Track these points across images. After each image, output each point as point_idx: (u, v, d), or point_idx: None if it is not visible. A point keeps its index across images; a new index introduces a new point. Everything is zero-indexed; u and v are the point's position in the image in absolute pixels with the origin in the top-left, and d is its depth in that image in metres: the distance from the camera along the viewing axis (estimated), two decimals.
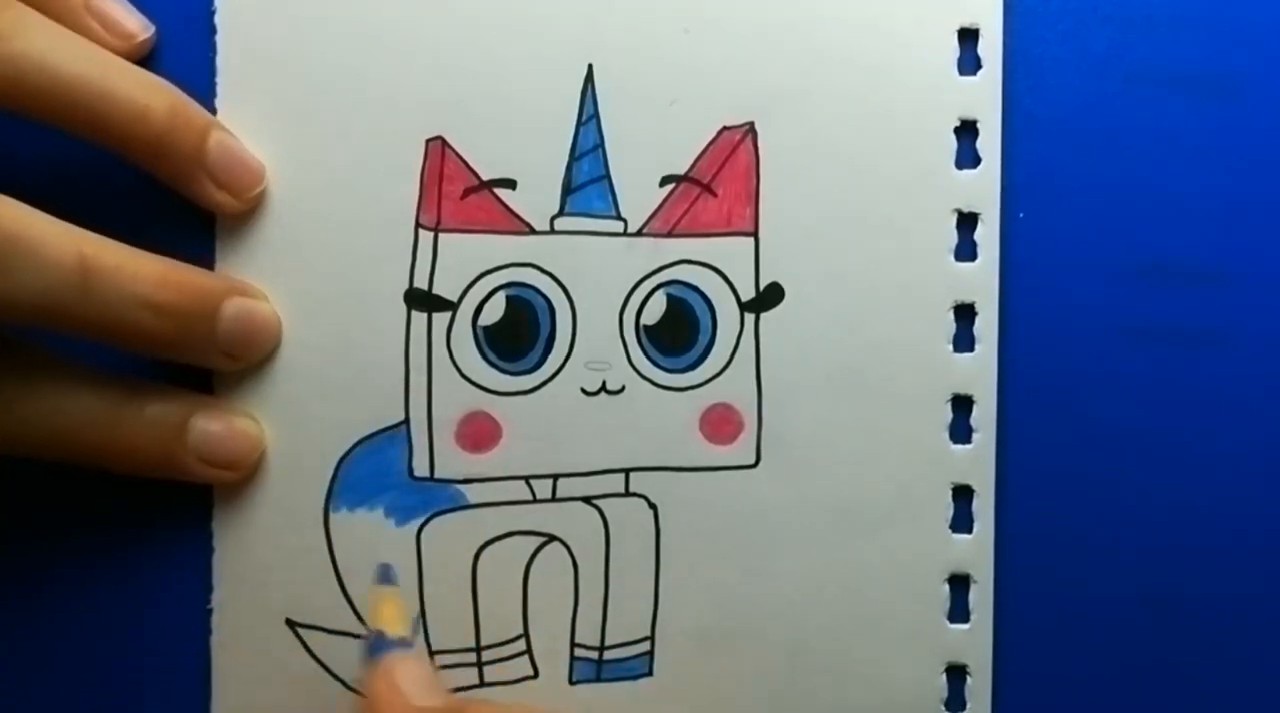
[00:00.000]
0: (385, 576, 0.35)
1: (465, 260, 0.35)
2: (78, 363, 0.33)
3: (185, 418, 0.34)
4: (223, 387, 0.35)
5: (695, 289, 0.35)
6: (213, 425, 0.34)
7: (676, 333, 0.35)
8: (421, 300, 0.35)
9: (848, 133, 0.35)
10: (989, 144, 0.35)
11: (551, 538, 0.35)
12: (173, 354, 0.34)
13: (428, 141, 0.35)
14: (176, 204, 0.35)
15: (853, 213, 0.35)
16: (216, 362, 0.34)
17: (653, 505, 0.35)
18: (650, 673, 0.35)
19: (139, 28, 0.35)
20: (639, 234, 0.35)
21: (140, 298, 0.32)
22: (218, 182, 0.34)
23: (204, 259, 0.35)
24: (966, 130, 0.35)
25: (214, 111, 0.35)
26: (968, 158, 0.35)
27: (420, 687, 0.32)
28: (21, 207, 0.31)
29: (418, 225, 0.35)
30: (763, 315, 0.35)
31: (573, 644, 0.35)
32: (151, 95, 0.33)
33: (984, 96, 0.35)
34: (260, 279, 0.35)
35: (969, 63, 0.35)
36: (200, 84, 0.35)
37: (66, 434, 0.33)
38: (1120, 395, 0.35)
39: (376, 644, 0.33)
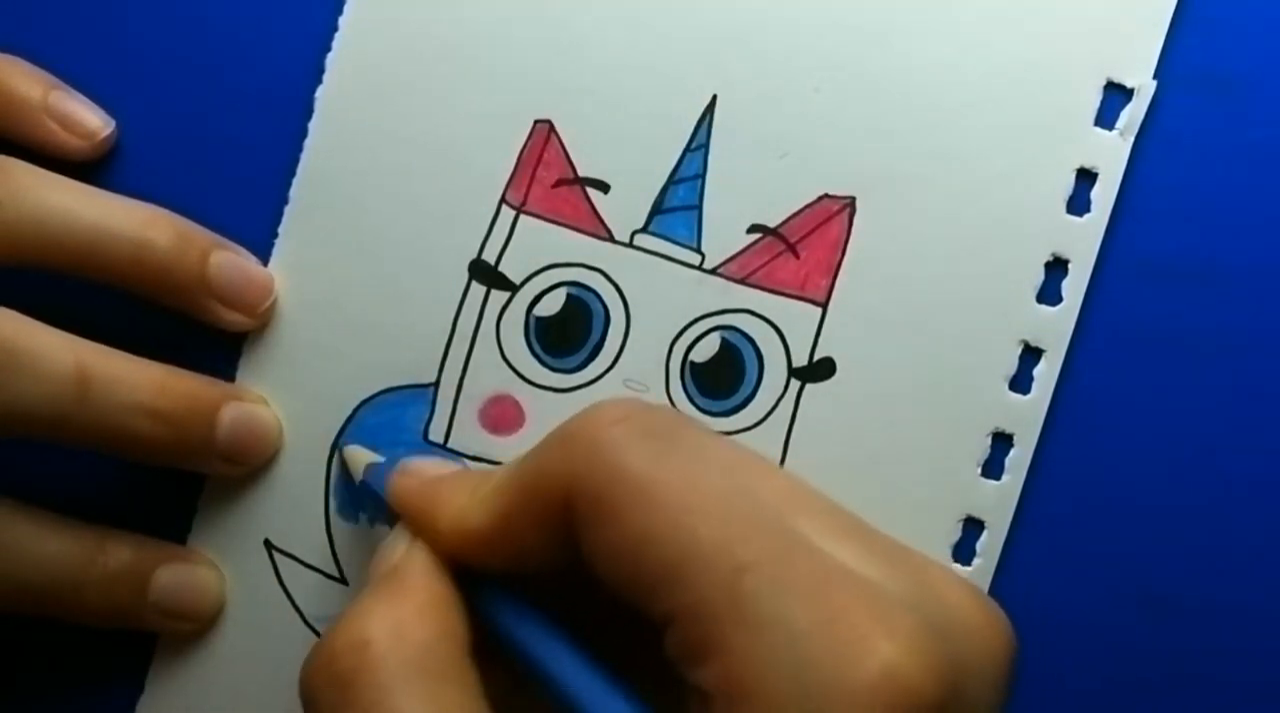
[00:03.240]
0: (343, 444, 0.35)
1: (538, 247, 0.35)
2: (40, 514, 0.33)
3: (149, 574, 0.34)
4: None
5: (751, 341, 0.35)
6: (175, 579, 0.34)
7: (721, 377, 0.35)
8: (485, 273, 0.35)
9: (942, 236, 0.35)
10: (1075, 286, 0.35)
11: None
12: (171, 461, 0.34)
13: (535, 122, 0.35)
14: None
15: (922, 316, 0.35)
16: (216, 467, 0.34)
17: None
18: None
19: (100, 124, 0.34)
20: (713, 272, 0.35)
21: (138, 405, 0.32)
22: (226, 302, 0.34)
23: (277, 187, 0.35)
24: (1057, 266, 0.35)
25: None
26: (1051, 294, 0.35)
27: (434, 466, 0.32)
28: (19, 317, 0.31)
29: (502, 200, 0.35)
30: (809, 385, 0.35)
31: None
32: (148, 228, 0.33)
33: (1084, 239, 0.35)
34: (332, 212, 0.35)
35: (1080, 203, 0.35)
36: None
37: (26, 598, 0.33)
38: (1120, 396, 0.35)
39: (373, 473, 0.33)
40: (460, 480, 0.30)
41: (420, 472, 0.31)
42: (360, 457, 0.34)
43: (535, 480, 0.28)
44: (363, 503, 0.34)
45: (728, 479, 0.27)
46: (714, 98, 0.35)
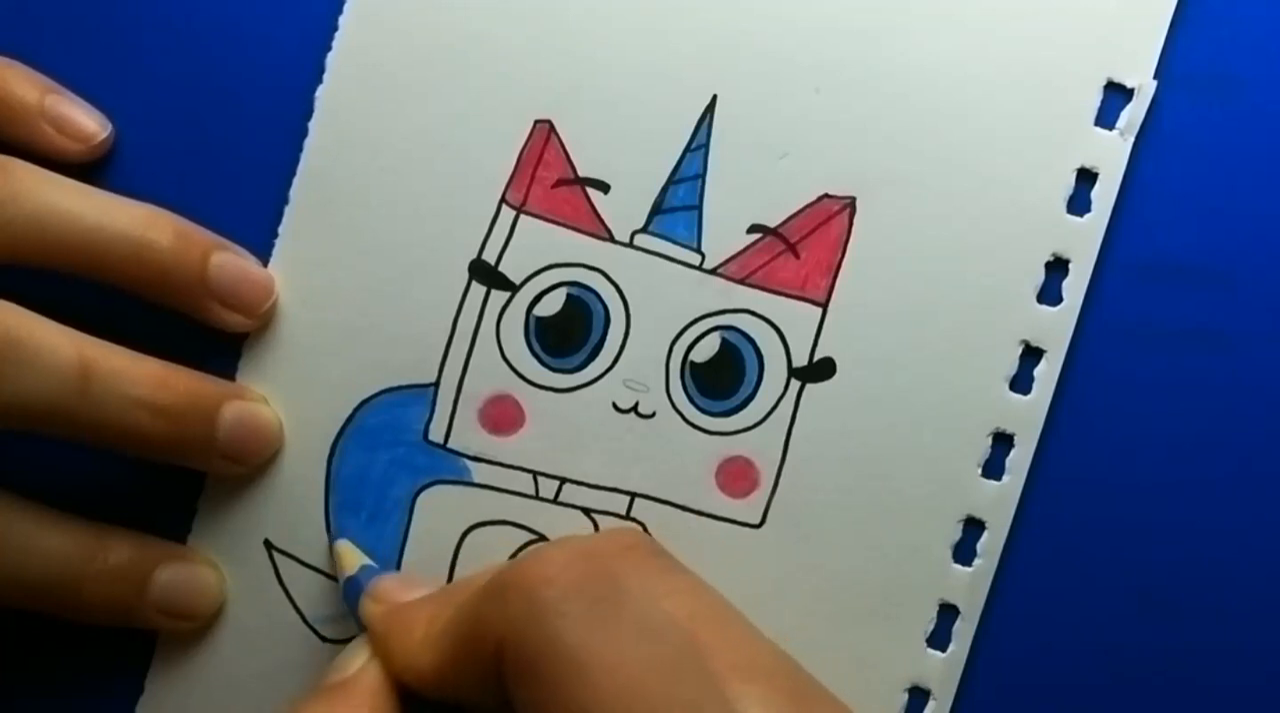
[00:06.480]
0: (333, 537, 0.35)
1: (538, 247, 0.35)
2: (42, 510, 0.33)
3: (149, 572, 0.34)
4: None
5: (751, 341, 0.35)
6: (175, 578, 0.34)
7: (721, 377, 0.35)
8: (486, 273, 0.35)
9: (942, 236, 0.35)
10: (1075, 286, 0.35)
11: (542, 538, 0.35)
12: (171, 457, 0.33)
13: (536, 122, 0.35)
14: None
15: (922, 316, 0.35)
16: (216, 465, 0.34)
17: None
18: None
19: (97, 128, 0.34)
20: (713, 272, 0.35)
21: (139, 400, 0.32)
22: (226, 303, 0.34)
23: (277, 187, 0.35)
24: (1057, 266, 0.35)
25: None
26: (1051, 294, 0.35)
27: (404, 588, 0.33)
28: (22, 311, 0.31)
29: (502, 200, 0.35)
30: (809, 385, 0.35)
31: None
32: (149, 228, 0.33)
33: (1084, 239, 0.35)
34: (332, 212, 0.35)
35: (1081, 203, 0.35)
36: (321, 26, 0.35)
37: (25, 593, 0.33)
38: (1120, 396, 0.35)
39: (350, 585, 0.33)
40: (418, 612, 0.31)
41: (387, 596, 0.32)
42: (346, 557, 0.34)
43: (472, 632, 0.29)
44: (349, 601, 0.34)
45: (669, 646, 0.27)
46: (714, 98, 0.35)
